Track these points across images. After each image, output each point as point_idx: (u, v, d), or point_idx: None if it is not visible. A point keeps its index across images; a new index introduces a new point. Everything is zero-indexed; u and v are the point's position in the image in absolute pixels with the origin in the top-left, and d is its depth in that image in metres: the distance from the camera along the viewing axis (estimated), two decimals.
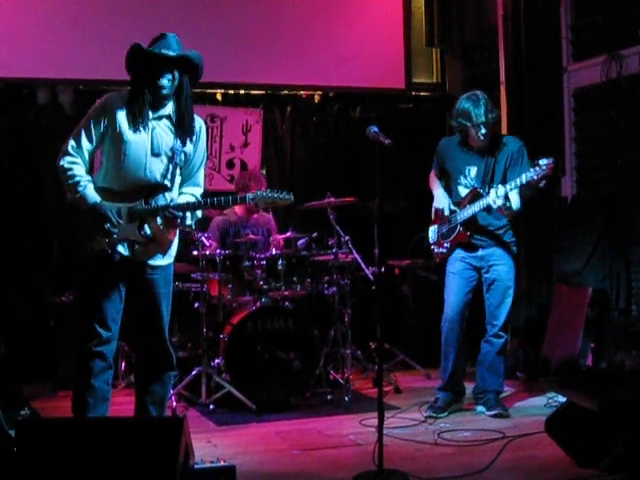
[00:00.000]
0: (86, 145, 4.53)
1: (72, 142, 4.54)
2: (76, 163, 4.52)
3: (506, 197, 5.64)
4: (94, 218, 4.46)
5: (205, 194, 4.82)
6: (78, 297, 4.82)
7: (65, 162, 4.53)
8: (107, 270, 4.54)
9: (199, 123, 4.75)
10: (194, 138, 4.68)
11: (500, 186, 5.65)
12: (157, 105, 4.57)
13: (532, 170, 5.45)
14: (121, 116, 4.51)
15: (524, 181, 5.50)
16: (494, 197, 5.64)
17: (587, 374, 6.17)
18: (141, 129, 4.53)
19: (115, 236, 4.49)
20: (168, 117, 4.61)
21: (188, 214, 4.64)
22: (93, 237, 4.50)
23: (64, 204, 4.77)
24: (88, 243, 4.51)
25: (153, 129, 4.57)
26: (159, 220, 4.59)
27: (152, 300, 4.65)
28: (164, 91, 4.50)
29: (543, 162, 5.42)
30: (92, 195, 4.49)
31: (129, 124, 4.51)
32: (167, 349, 4.73)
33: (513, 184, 5.58)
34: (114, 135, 4.52)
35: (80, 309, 4.73)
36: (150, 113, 4.56)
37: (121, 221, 4.49)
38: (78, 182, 4.49)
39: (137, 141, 4.52)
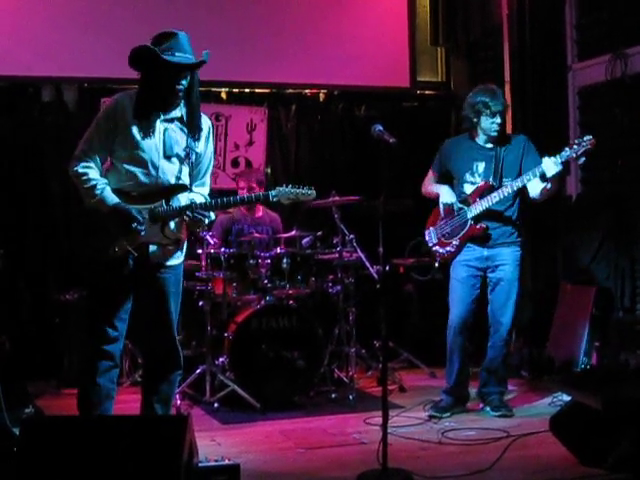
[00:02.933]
0: (97, 150, 4.49)
1: (83, 147, 4.51)
2: (90, 167, 4.48)
3: (543, 178, 5.58)
4: (118, 219, 4.43)
5: (210, 194, 4.82)
6: (88, 298, 4.79)
7: (79, 167, 4.48)
8: (121, 273, 4.53)
9: (207, 123, 4.72)
10: (203, 136, 4.66)
11: (554, 157, 5.52)
12: (168, 108, 4.54)
13: (567, 149, 5.44)
14: (131, 119, 4.47)
15: (560, 161, 5.46)
16: (551, 164, 5.49)
17: (591, 373, 6.17)
18: (152, 132, 4.50)
19: (142, 234, 4.47)
20: (179, 119, 4.58)
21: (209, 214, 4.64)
22: (116, 239, 4.46)
23: (69, 202, 4.75)
24: (111, 246, 4.47)
25: (165, 130, 4.54)
26: (172, 222, 4.60)
27: (162, 299, 4.64)
28: (180, 94, 4.49)
29: (581, 140, 5.43)
30: (111, 197, 4.46)
31: (140, 127, 4.47)
32: (175, 348, 4.72)
33: (559, 158, 5.50)
34: (125, 138, 4.48)
35: (90, 309, 4.72)
36: (161, 114, 4.53)
37: (144, 225, 4.47)
38: (95, 185, 4.45)
39: (149, 144, 4.49)
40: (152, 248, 4.56)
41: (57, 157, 7.47)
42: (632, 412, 4.36)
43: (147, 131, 4.48)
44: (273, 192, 4.66)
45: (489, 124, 5.84)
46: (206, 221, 4.64)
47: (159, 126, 4.53)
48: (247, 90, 8.35)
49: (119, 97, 4.57)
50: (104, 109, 4.57)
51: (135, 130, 4.47)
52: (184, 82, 4.46)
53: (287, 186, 4.68)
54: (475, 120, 5.89)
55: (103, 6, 7.72)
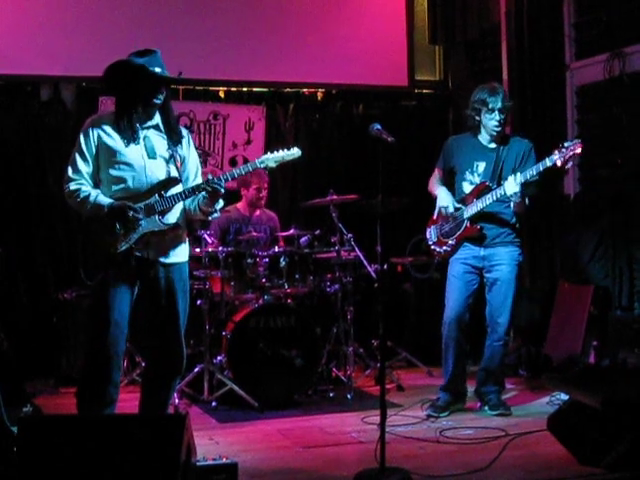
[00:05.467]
0: (84, 168, 4.58)
1: (70, 169, 4.61)
2: (81, 184, 4.58)
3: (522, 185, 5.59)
4: (114, 216, 4.48)
5: None
6: (91, 298, 4.77)
7: (71, 186, 4.58)
8: (125, 272, 4.54)
9: (185, 131, 4.85)
10: (184, 142, 4.75)
11: (518, 174, 5.59)
12: (147, 118, 4.64)
13: (556, 153, 5.40)
14: (110, 134, 4.58)
15: (548, 164, 5.43)
16: (512, 184, 5.56)
17: (589, 372, 6.17)
18: (133, 140, 4.59)
19: (140, 225, 4.51)
20: (155, 126, 4.68)
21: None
22: (117, 236, 4.50)
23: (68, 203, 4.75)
24: (113, 245, 4.50)
25: (145, 137, 4.64)
26: (172, 215, 4.63)
27: (169, 299, 4.64)
28: (159, 104, 4.62)
29: (569, 143, 5.39)
30: (105, 199, 4.53)
31: (121, 138, 4.57)
32: (180, 353, 4.69)
33: (534, 170, 5.51)
34: (107, 152, 4.57)
35: (93, 311, 4.70)
36: (138, 125, 4.62)
37: (141, 215, 4.51)
38: (88, 194, 4.54)
39: (132, 150, 4.59)
40: (154, 240, 4.58)
41: (56, 156, 7.48)
42: (630, 411, 4.36)
43: (129, 139, 4.58)
44: (259, 160, 4.76)
45: (488, 121, 5.84)
46: (217, 206, 4.69)
47: (139, 134, 4.62)
48: (245, 89, 8.35)
49: (92, 119, 4.70)
50: (81, 130, 4.65)
51: (116, 142, 4.57)
52: (161, 96, 4.60)
53: (272, 152, 4.79)
54: (477, 118, 5.90)
55: (102, 6, 7.72)
